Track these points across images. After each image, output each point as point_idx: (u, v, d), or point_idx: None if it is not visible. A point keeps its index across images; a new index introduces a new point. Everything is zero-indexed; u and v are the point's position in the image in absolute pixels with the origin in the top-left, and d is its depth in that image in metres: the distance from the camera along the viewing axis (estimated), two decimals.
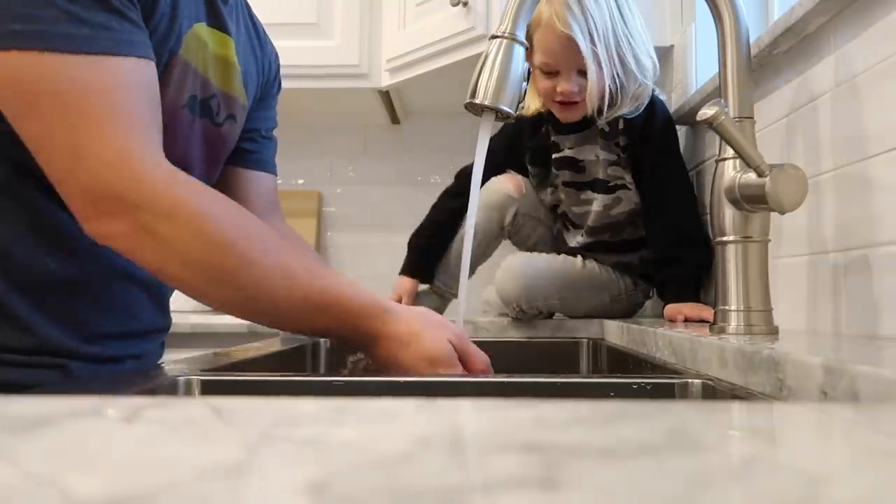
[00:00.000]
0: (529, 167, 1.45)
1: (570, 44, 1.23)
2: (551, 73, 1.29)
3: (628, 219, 1.38)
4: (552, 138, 1.39)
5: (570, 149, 1.38)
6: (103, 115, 0.64)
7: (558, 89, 1.29)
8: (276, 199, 1.01)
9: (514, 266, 1.34)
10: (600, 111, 1.30)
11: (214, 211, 0.68)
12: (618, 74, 1.26)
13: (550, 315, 1.38)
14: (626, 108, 1.30)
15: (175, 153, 0.72)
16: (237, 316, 0.75)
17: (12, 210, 0.70)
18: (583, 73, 1.27)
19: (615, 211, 1.38)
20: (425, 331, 0.74)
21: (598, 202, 1.38)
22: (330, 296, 0.72)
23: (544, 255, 1.39)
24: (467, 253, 0.86)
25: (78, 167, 0.64)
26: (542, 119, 1.40)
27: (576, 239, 1.42)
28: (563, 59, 1.26)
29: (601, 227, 1.39)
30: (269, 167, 0.99)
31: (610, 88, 1.26)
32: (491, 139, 0.85)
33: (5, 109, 0.66)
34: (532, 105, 1.37)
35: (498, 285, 1.34)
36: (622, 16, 1.26)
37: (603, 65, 1.24)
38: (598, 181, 1.37)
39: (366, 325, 0.74)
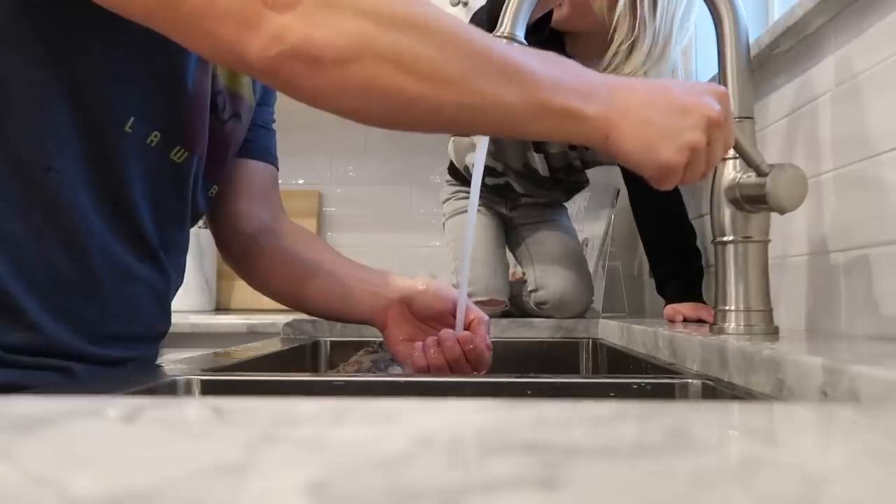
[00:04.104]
0: None
1: None
2: None
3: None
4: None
5: None
6: None
7: None
8: (277, 191, 0.99)
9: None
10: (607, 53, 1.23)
11: None
12: (639, 24, 1.18)
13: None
14: (624, 64, 1.26)
15: None
16: (432, 90, 0.58)
17: (31, 204, 0.70)
18: None
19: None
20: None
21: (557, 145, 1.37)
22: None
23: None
24: (468, 251, 0.86)
25: None
26: (562, 44, 1.31)
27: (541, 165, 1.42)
28: None
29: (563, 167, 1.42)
30: (269, 157, 0.98)
31: (633, 24, 1.18)
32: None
33: None
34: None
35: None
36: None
37: (639, 15, 1.16)
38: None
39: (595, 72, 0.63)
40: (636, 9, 1.17)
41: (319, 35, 0.55)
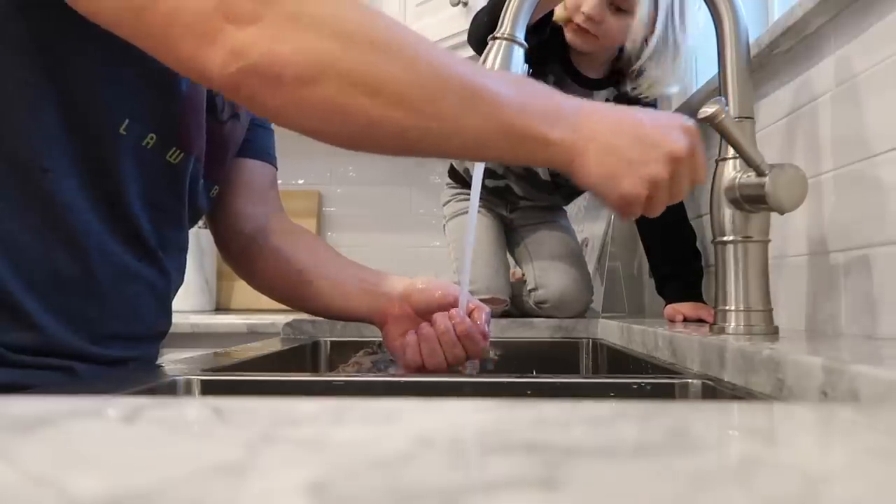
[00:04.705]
0: None
1: None
2: None
3: None
4: (554, 73, 1.32)
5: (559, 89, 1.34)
6: None
7: (583, 9, 1.21)
8: (276, 191, 0.99)
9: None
10: (616, 71, 1.25)
11: None
12: (666, 37, 1.20)
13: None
14: (631, 85, 1.27)
15: None
16: (400, 117, 0.57)
17: (29, 204, 0.70)
18: (618, 8, 1.20)
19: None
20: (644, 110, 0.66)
21: None
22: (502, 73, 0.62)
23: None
24: (468, 252, 0.86)
25: None
26: (564, 45, 1.31)
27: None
28: None
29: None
30: (267, 157, 0.98)
31: (642, 42, 1.21)
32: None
33: None
34: (556, 13, 1.25)
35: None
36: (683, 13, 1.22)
37: (659, 10, 1.18)
38: None
39: (566, 95, 0.62)
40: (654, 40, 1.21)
41: (282, 52, 0.54)
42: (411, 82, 0.57)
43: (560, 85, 1.33)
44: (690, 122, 0.65)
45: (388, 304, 0.89)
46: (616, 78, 1.33)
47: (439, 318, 0.83)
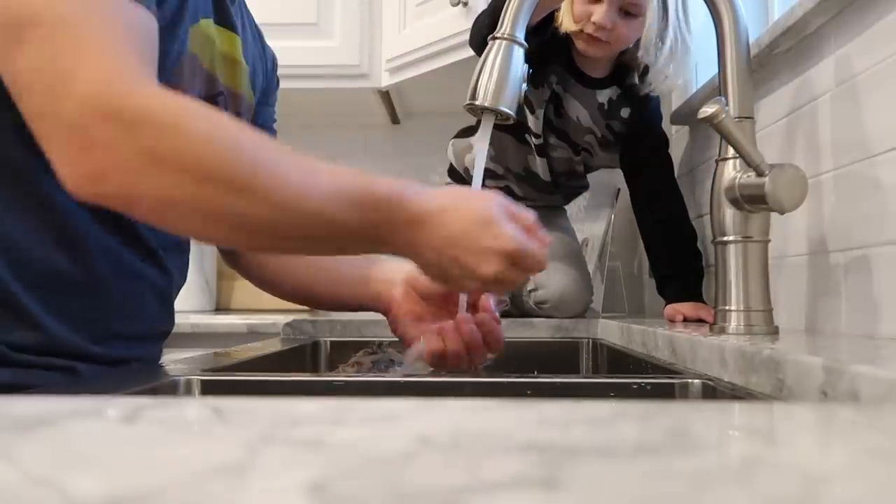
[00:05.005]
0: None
1: None
2: None
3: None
4: (557, 73, 1.33)
5: (563, 90, 1.34)
6: (98, 44, 0.58)
7: (593, 18, 1.20)
8: None
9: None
10: (619, 68, 1.26)
11: (220, 121, 0.61)
12: (677, 35, 1.22)
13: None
14: (639, 82, 1.29)
15: None
16: (261, 243, 0.66)
17: (27, 205, 0.70)
18: (627, 13, 1.21)
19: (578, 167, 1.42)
20: (465, 197, 0.70)
21: (566, 152, 1.39)
22: (362, 186, 0.65)
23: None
24: None
25: (64, 92, 0.56)
26: (566, 45, 1.31)
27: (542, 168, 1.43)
28: None
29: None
30: None
31: (656, 41, 1.22)
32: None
33: None
34: (564, 23, 1.27)
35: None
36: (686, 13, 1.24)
37: (669, 10, 1.20)
38: (569, 137, 1.37)
39: (401, 210, 0.66)
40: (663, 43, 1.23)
41: (137, 187, 0.57)
42: (265, 219, 0.60)
43: (563, 85, 1.33)
44: (511, 250, 0.67)
45: (392, 287, 0.88)
46: (619, 75, 1.33)
47: (465, 321, 0.80)
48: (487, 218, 0.67)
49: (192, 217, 0.60)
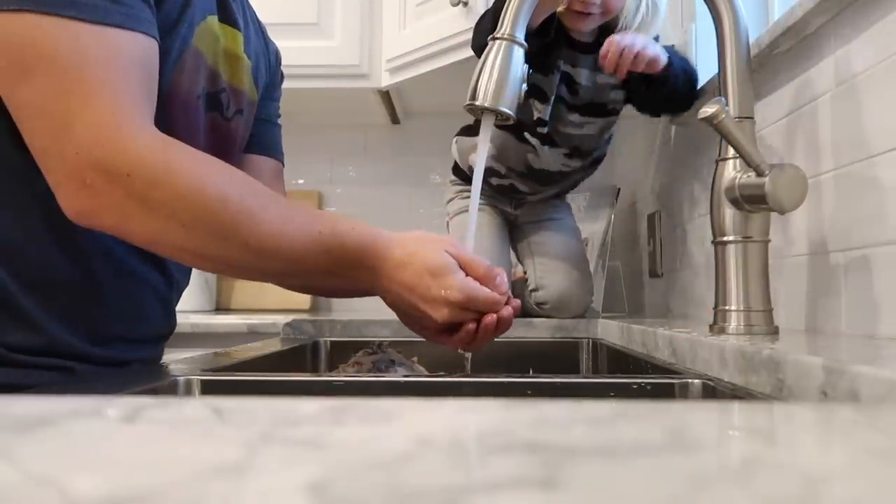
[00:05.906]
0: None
1: None
2: None
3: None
4: (562, 56, 1.33)
5: (572, 66, 1.34)
6: (98, 85, 0.62)
7: None
8: (281, 185, 0.99)
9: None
10: (604, 30, 1.27)
11: (209, 171, 0.66)
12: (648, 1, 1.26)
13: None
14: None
15: None
16: (244, 276, 0.75)
17: (26, 207, 0.70)
18: None
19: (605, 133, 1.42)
20: (422, 248, 0.75)
21: (591, 126, 1.38)
22: (333, 236, 0.72)
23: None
24: (469, 249, 0.85)
25: (65, 135, 0.61)
26: (561, 26, 1.32)
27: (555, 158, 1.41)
28: None
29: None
30: (273, 152, 0.98)
31: (630, 13, 1.25)
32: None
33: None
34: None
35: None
36: None
37: None
38: (593, 104, 1.36)
39: (367, 259, 0.73)
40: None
41: (129, 228, 0.64)
42: (247, 262, 0.69)
43: (571, 62, 1.33)
44: (457, 297, 0.73)
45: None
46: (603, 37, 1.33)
47: (489, 322, 0.77)
48: (438, 270, 0.73)
49: (181, 254, 0.68)
